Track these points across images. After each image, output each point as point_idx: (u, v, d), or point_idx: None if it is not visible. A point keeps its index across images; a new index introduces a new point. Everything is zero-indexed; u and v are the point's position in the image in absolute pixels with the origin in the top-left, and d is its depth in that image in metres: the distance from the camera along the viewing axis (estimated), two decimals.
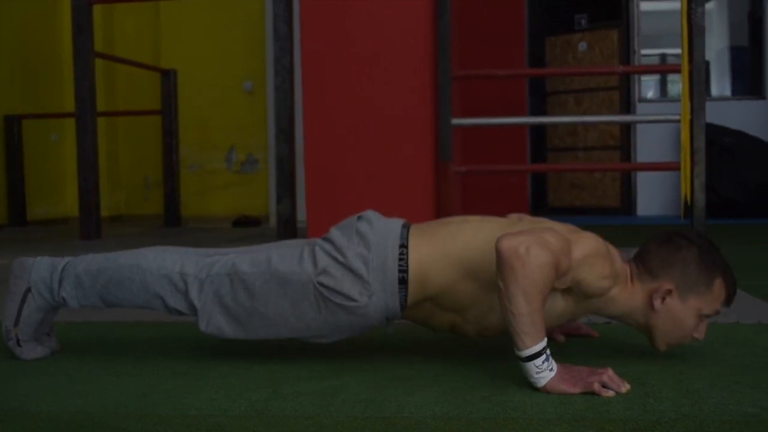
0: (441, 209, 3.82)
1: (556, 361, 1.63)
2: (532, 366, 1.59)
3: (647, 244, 1.84)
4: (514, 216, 1.96)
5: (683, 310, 1.77)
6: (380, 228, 1.83)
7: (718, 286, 1.77)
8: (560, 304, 1.76)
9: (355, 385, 1.70)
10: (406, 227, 1.85)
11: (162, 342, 2.20)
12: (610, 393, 1.57)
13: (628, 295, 1.79)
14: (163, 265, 1.91)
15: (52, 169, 7.18)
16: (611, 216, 7.24)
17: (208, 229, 6.21)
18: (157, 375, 1.82)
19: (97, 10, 5.85)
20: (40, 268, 1.97)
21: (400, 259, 1.78)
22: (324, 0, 3.97)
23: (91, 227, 5.23)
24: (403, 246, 1.80)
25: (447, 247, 1.80)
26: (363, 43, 3.94)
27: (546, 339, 1.61)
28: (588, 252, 1.71)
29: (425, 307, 1.84)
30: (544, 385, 1.59)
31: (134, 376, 1.82)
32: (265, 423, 1.46)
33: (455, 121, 3.85)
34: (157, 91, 6.51)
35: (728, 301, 1.80)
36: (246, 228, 6.32)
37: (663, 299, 1.77)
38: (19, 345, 1.96)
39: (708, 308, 1.78)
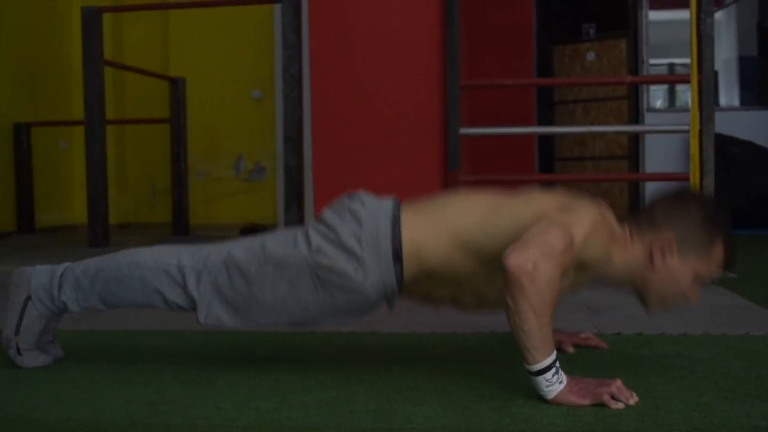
0: None
1: (565, 372, 1.62)
2: (543, 380, 1.59)
3: (654, 199, 1.85)
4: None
5: (681, 267, 1.78)
6: (372, 205, 1.85)
7: (719, 249, 1.78)
8: (564, 281, 1.75)
9: (363, 395, 1.70)
10: (397, 204, 1.87)
11: (169, 350, 2.20)
12: (620, 405, 1.56)
13: (627, 254, 1.80)
14: (160, 260, 1.91)
15: (61, 177, 7.20)
16: None
17: (215, 237, 6.21)
18: (165, 384, 1.81)
19: (107, 18, 5.86)
20: (38, 275, 1.97)
21: (392, 234, 1.80)
22: (332, 9, 3.98)
23: (99, 235, 5.23)
24: (396, 221, 1.81)
25: (439, 220, 1.82)
26: (371, 52, 3.94)
27: (555, 352, 1.60)
28: (588, 230, 1.71)
29: (422, 284, 1.85)
30: (554, 398, 1.58)
31: (141, 384, 1.81)
32: None
33: (463, 130, 3.85)
34: (166, 99, 6.51)
35: (726, 266, 1.81)
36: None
37: (663, 254, 1.77)
38: (19, 353, 1.96)
39: (705, 270, 1.79)
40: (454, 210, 1.84)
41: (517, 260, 1.58)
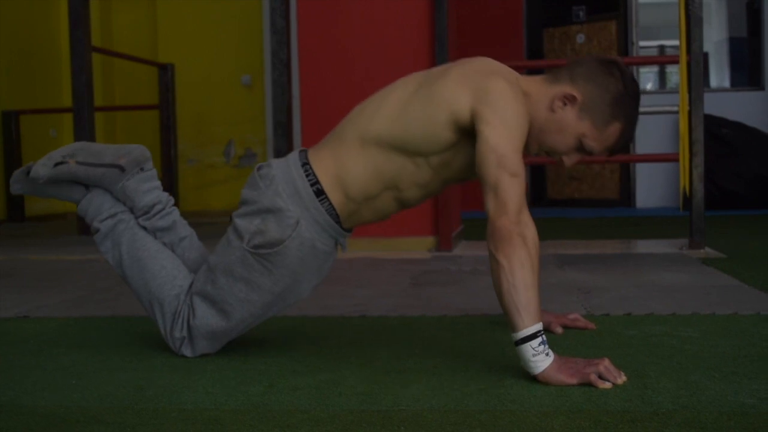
0: (440, 202, 3.81)
1: (554, 352, 1.62)
2: (528, 348, 1.58)
3: (589, 56, 1.88)
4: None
5: (573, 125, 1.81)
6: (279, 163, 1.89)
7: (614, 129, 1.81)
8: None
9: (352, 378, 1.70)
10: (303, 150, 1.91)
11: (157, 336, 2.19)
12: (607, 384, 1.56)
13: (533, 100, 1.83)
14: (178, 283, 1.93)
15: None
16: (610, 208, 7.23)
17: (206, 224, 6.20)
18: (153, 369, 1.81)
19: (94, 4, 5.84)
20: (138, 190, 2.08)
21: (306, 176, 1.83)
22: None
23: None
24: (306, 164, 1.85)
25: (344, 140, 1.87)
26: (360, 37, 3.93)
27: (541, 323, 1.61)
28: (517, 116, 1.74)
29: (364, 207, 1.88)
30: (541, 373, 1.58)
31: (130, 370, 1.81)
32: (262, 417, 1.46)
33: None
34: (155, 85, 6.49)
35: (613, 148, 1.85)
36: None
37: (564, 104, 1.80)
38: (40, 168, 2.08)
39: (592, 141, 1.82)
40: (357, 124, 1.88)
41: (509, 221, 1.63)
